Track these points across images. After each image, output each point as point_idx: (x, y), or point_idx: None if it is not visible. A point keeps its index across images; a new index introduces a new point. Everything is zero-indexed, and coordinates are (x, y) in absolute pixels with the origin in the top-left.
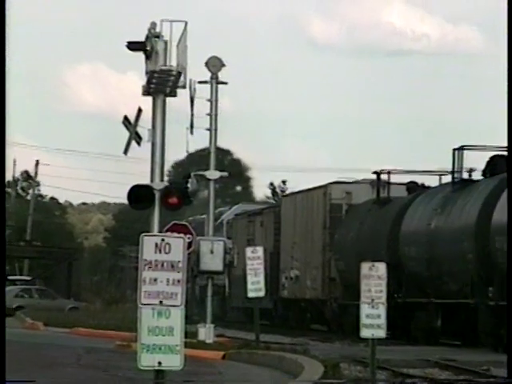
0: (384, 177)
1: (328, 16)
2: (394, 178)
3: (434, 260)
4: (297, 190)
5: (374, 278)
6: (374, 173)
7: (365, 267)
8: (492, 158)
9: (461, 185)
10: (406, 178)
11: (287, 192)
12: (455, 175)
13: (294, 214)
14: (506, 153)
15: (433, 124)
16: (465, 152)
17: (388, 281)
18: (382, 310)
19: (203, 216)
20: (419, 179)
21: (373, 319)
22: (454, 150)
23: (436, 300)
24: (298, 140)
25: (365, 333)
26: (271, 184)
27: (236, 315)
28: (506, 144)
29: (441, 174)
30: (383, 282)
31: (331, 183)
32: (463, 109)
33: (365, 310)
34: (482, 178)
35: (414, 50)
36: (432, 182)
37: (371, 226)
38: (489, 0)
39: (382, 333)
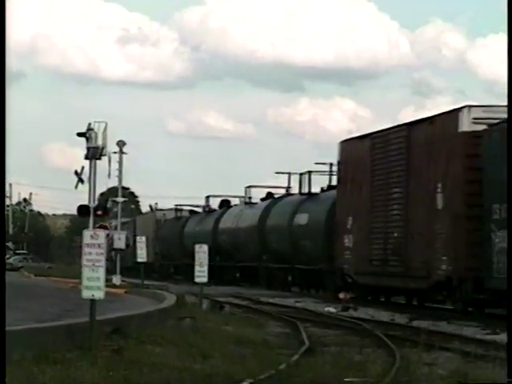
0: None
1: (178, 119)
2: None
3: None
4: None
5: (201, 253)
6: (175, 205)
7: (197, 247)
8: (222, 201)
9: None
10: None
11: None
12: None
13: (143, 223)
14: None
15: (225, 173)
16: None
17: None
18: (205, 268)
19: (106, 223)
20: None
21: (200, 273)
22: (245, 187)
23: (237, 264)
24: (163, 181)
25: (197, 280)
26: (150, 205)
27: (125, 271)
28: None
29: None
30: (206, 254)
31: (157, 210)
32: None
33: (197, 268)
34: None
35: (219, 137)
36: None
37: (170, 230)
38: (267, 111)
39: (205, 279)
